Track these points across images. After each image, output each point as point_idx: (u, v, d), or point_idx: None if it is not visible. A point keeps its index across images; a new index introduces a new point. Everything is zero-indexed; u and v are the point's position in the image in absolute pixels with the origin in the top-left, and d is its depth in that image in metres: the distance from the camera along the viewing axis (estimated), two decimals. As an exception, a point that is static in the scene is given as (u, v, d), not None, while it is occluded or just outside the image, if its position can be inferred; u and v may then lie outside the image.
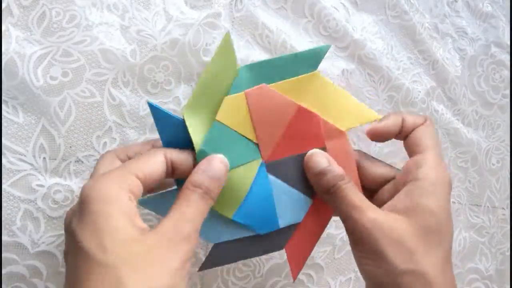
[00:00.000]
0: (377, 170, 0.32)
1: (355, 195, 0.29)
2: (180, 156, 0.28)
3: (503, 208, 0.52)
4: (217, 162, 0.28)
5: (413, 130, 0.31)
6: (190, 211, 0.26)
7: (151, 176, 0.26)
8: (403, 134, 0.32)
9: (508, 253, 0.52)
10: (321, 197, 0.31)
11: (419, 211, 0.28)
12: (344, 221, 0.29)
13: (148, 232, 0.24)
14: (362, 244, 0.28)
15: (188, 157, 0.29)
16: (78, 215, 0.24)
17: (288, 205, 0.32)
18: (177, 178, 0.29)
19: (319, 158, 0.30)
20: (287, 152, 0.31)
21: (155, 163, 0.27)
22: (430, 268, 0.26)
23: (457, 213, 0.49)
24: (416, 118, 0.32)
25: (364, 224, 0.28)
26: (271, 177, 0.31)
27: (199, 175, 0.27)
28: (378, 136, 0.32)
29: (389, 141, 0.46)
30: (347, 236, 0.33)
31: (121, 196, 0.24)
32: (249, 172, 0.31)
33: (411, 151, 0.31)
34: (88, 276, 0.22)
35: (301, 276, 0.42)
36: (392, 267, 0.27)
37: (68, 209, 0.33)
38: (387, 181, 0.31)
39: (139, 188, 0.25)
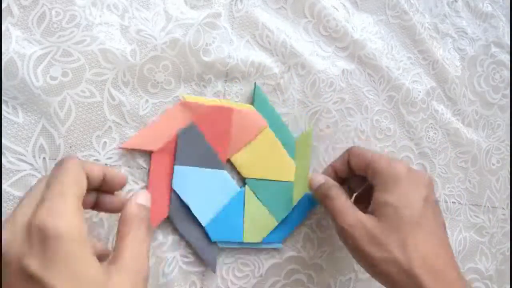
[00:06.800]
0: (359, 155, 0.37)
1: (339, 201, 0.35)
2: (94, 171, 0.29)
3: (503, 208, 0.52)
4: (147, 193, 0.30)
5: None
6: (144, 247, 0.27)
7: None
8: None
9: (508, 253, 0.52)
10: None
11: (379, 206, 0.34)
12: (334, 225, 0.35)
13: (112, 272, 0.24)
14: (347, 244, 0.35)
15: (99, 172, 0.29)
16: (42, 256, 0.21)
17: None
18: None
19: (315, 177, 0.38)
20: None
21: (84, 180, 0.27)
22: (396, 250, 0.32)
23: (457, 213, 0.49)
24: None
25: (345, 227, 0.34)
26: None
27: (142, 210, 0.28)
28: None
29: (389, 141, 0.46)
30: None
31: (83, 232, 0.23)
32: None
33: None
34: None
35: (301, 276, 0.42)
36: (370, 259, 0.32)
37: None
38: (366, 164, 0.36)
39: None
